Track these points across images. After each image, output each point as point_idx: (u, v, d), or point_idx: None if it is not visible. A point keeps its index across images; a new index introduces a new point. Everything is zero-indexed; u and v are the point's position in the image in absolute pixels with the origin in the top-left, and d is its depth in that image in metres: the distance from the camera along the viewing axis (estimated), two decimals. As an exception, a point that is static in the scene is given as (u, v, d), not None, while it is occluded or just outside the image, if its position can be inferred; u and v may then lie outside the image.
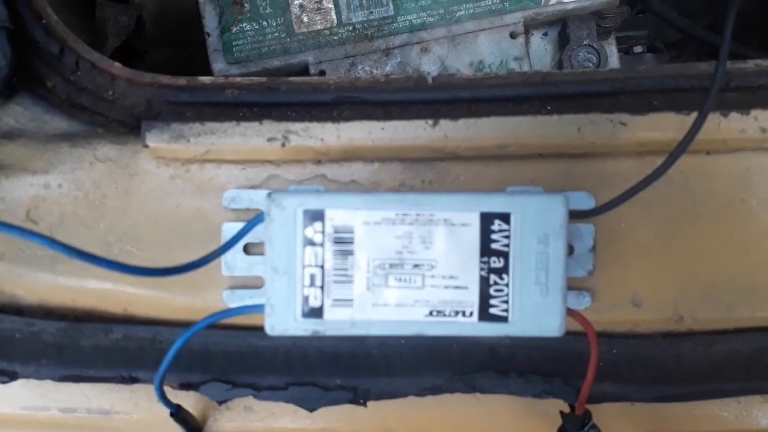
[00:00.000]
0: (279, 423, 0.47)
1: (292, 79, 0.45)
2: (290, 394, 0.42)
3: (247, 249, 0.42)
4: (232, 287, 0.43)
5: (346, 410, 0.46)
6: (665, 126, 0.40)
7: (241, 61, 0.75)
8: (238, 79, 0.45)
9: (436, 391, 0.43)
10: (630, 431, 0.45)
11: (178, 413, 0.43)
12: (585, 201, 0.42)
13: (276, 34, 0.76)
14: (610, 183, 0.41)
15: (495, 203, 0.35)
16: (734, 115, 0.41)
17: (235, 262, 0.41)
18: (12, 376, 0.42)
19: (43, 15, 0.46)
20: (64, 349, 0.43)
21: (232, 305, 0.42)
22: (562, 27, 0.77)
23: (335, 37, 0.77)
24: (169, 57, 0.93)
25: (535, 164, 0.42)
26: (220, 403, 0.43)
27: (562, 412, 0.43)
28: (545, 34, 0.80)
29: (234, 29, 0.76)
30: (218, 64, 0.72)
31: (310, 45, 0.78)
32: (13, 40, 0.43)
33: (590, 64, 0.74)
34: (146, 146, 0.41)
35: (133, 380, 0.42)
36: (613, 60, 0.74)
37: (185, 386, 0.43)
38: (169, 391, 0.43)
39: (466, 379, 0.42)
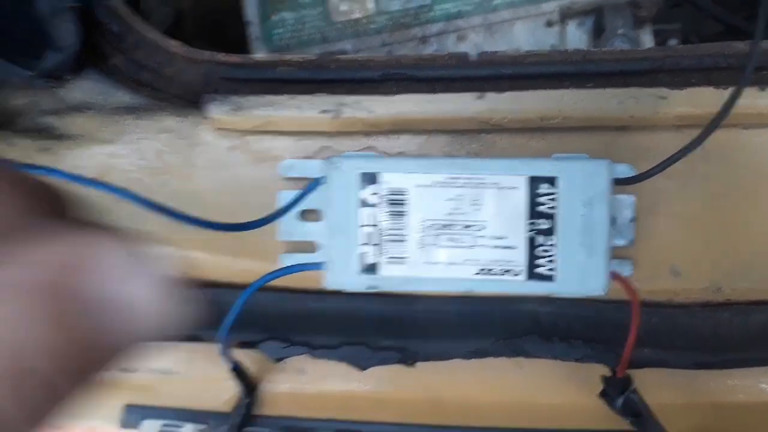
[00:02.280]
0: (329, 385, 0.49)
1: (341, 57, 0.47)
2: (343, 353, 0.44)
3: (302, 215, 0.44)
4: (288, 251, 0.45)
5: (393, 374, 0.48)
6: (703, 100, 0.42)
7: (281, 49, 0.77)
8: (289, 56, 0.47)
9: (482, 354, 0.44)
10: (668, 400, 0.47)
11: (237, 369, 0.45)
12: (626, 173, 0.43)
13: (315, 22, 0.78)
14: (650, 156, 0.42)
15: (542, 167, 0.37)
16: (772, 89, 0.42)
17: (291, 227, 0.44)
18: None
19: (107, -5, 0.48)
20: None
21: (288, 267, 0.44)
22: (597, 16, 0.78)
23: (372, 26, 0.79)
24: (208, 49, 0.95)
25: (577, 136, 0.44)
26: (277, 360, 0.45)
27: (603, 376, 0.45)
28: (581, 24, 0.81)
29: (274, 18, 0.78)
30: (259, 52, 0.74)
31: (348, 33, 0.80)
32: (81, 20, 0.46)
33: (624, 53, 0.75)
34: (206, 118, 0.44)
35: (196, 339, 0.45)
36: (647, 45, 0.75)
37: (244, 344, 0.45)
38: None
39: (511, 344, 0.44)
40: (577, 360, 0.43)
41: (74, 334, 0.16)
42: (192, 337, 0.44)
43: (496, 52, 0.47)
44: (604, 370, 0.45)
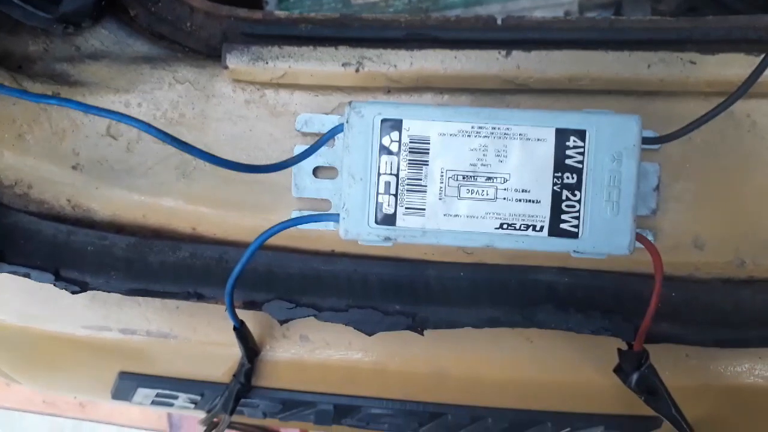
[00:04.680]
0: (332, 354, 0.48)
1: (365, 15, 0.46)
2: (350, 317, 0.43)
3: (316, 173, 0.43)
4: (300, 209, 0.44)
5: (399, 346, 0.47)
6: (734, 65, 0.41)
7: (298, 30, 0.76)
8: (312, 14, 0.47)
9: (493, 323, 0.43)
10: (682, 382, 0.45)
11: (240, 329, 0.44)
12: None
13: (333, 4, 0.78)
14: (679, 122, 0.41)
15: (571, 120, 0.36)
16: (806, 58, 0.41)
17: (304, 183, 0.43)
18: (83, 287, 0.44)
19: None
20: (133, 263, 0.45)
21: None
22: (616, 8, 0.77)
23: (390, 9, 0.78)
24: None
25: (604, 100, 0.43)
26: (282, 322, 0.43)
27: (619, 350, 0.43)
28: (599, 16, 0.81)
29: (292, -1, 0.78)
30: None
31: (366, 16, 0.79)
32: (100, -33, 0.45)
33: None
34: (226, 67, 0.43)
35: (199, 296, 0.43)
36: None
37: (249, 304, 0.44)
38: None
39: (525, 313, 0.43)
40: (592, 332, 0.42)
41: None
42: (195, 295, 0.43)
43: (523, 16, 0.46)
44: (620, 345, 0.43)
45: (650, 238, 0.43)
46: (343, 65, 0.42)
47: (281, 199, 0.44)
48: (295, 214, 0.43)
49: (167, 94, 0.44)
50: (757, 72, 0.38)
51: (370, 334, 0.43)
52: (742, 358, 0.45)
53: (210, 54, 0.46)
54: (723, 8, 0.79)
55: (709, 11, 0.83)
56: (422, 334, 0.44)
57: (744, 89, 0.38)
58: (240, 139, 0.44)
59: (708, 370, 0.45)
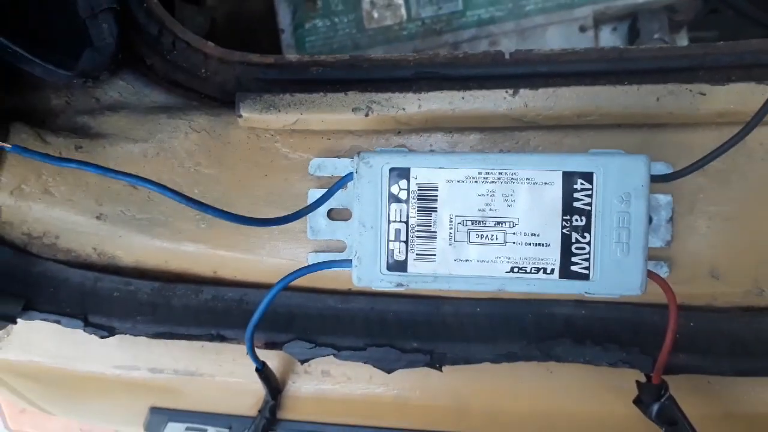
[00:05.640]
0: (354, 388, 0.48)
1: (373, 56, 0.47)
2: (369, 355, 0.43)
3: (330, 215, 0.44)
4: (316, 250, 0.44)
5: (420, 379, 0.48)
6: (745, 96, 0.41)
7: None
8: (323, 57, 0.47)
9: (511, 358, 0.43)
10: (704, 410, 0.45)
11: (262, 370, 0.45)
12: (663, 171, 0.42)
13: (347, 30, 0.79)
14: (690, 154, 0.41)
15: (578, 163, 0.36)
16: (818, 86, 0.40)
17: (319, 226, 0.43)
18: (110, 331, 0.45)
19: (144, -2, 0.49)
20: (157, 307, 0.46)
21: (317, 267, 0.43)
22: (632, 21, 0.77)
23: (404, 33, 0.79)
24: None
25: (614, 134, 0.43)
26: (302, 362, 0.44)
27: (638, 382, 0.43)
28: (615, 29, 0.80)
29: (307, 26, 0.79)
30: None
31: (379, 40, 0.80)
32: (119, 21, 0.46)
33: (660, 58, 0.74)
34: (240, 116, 0.44)
35: (221, 338, 0.45)
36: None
37: (270, 345, 0.45)
38: (256, 350, 0.45)
39: (542, 347, 0.43)
40: (610, 364, 0.42)
41: None
42: (218, 337, 0.44)
43: (531, 50, 0.46)
44: (638, 376, 0.43)
45: (665, 269, 0.42)
46: (353, 110, 0.43)
47: (298, 241, 0.45)
48: (311, 257, 0.44)
49: (184, 143, 0.46)
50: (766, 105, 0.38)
51: (389, 372, 0.44)
52: (765, 385, 0.45)
53: (225, 100, 0.47)
54: (742, 16, 0.78)
55: (727, 20, 0.82)
56: (440, 371, 0.44)
57: (756, 121, 0.38)
58: (256, 185, 0.45)
59: (731, 398, 0.45)
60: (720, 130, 0.42)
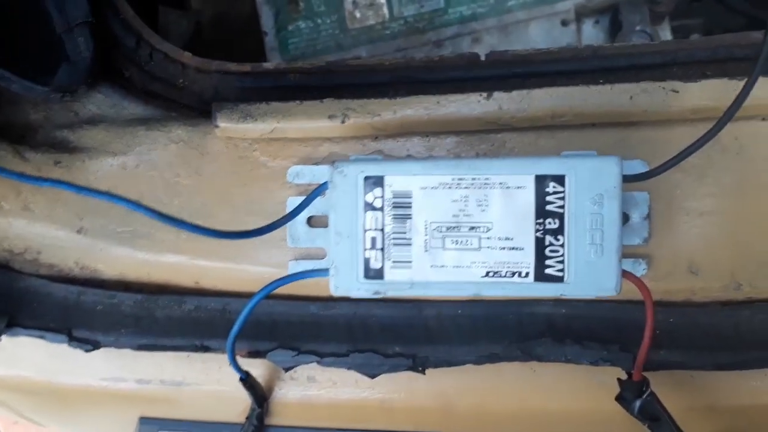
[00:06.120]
0: (340, 393, 0.49)
1: (350, 61, 0.47)
2: (352, 361, 0.44)
3: (310, 222, 0.44)
4: (297, 258, 0.45)
5: (404, 381, 0.48)
6: (718, 92, 0.41)
7: (296, 59, 0.78)
8: (300, 64, 0.48)
9: (493, 359, 0.44)
10: (687, 403, 0.45)
11: (246, 379, 0.45)
12: (639, 169, 0.42)
13: (330, 30, 0.79)
14: (664, 151, 0.41)
15: (550, 166, 0.36)
16: (789, 79, 0.40)
17: (299, 234, 0.44)
18: (95, 345, 0.46)
19: (121, 10, 0.49)
20: (141, 319, 0.46)
21: (297, 274, 0.44)
22: (614, 13, 0.77)
23: (387, 32, 0.79)
24: (229, 57, 0.96)
25: (589, 134, 0.43)
26: (286, 369, 0.45)
27: (619, 380, 0.43)
28: (597, 22, 0.80)
29: (290, 27, 0.79)
30: (275, 62, 0.75)
31: (363, 40, 0.80)
32: (95, 34, 0.46)
33: (643, 50, 0.74)
34: (217, 126, 0.44)
35: (205, 348, 0.45)
36: (667, 44, 0.73)
37: (253, 354, 0.45)
38: (239, 359, 0.45)
39: (524, 347, 0.43)
40: (591, 363, 0.42)
41: None
42: (202, 347, 0.45)
43: (506, 51, 0.46)
44: (622, 373, 0.43)
45: (643, 267, 0.43)
46: (329, 117, 0.43)
47: (279, 249, 0.45)
48: (291, 265, 0.44)
49: (163, 155, 0.46)
50: (740, 99, 0.38)
51: (372, 377, 0.44)
52: (748, 377, 0.45)
53: (203, 110, 0.47)
54: (722, 4, 0.78)
55: (707, 12, 0.82)
56: (424, 374, 0.44)
57: (728, 117, 0.38)
58: (236, 194, 0.45)
59: (713, 391, 0.45)
60: (694, 126, 0.42)
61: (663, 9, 0.77)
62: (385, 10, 0.79)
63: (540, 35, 0.76)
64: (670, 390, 0.44)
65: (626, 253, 0.43)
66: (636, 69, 0.44)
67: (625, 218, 0.42)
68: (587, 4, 0.75)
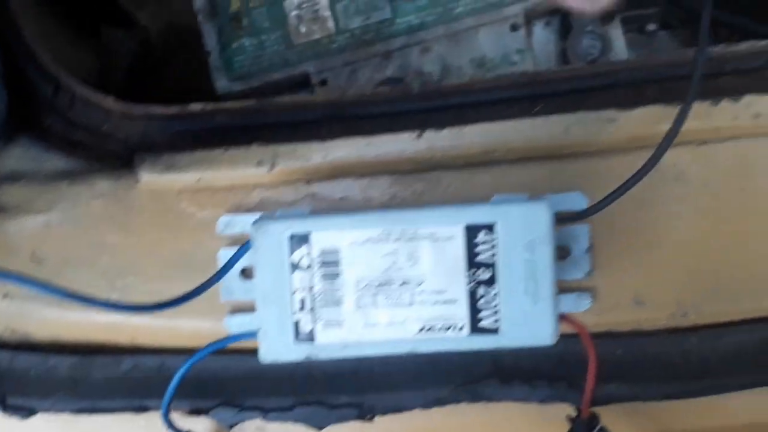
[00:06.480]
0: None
1: (279, 100, 0.46)
2: (297, 414, 0.43)
3: (244, 273, 0.42)
4: (233, 312, 0.43)
5: (354, 429, 0.47)
6: (655, 119, 0.40)
7: (243, 77, 0.75)
8: (228, 104, 0.46)
9: (441, 402, 0.43)
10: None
11: (189, 439, 0.44)
12: (578, 201, 0.41)
13: (275, 47, 0.76)
14: (604, 180, 0.40)
15: (478, 214, 0.35)
16: (725, 103, 0.40)
17: (232, 287, 0.42)
18: (30, 412, 0.44)
19: (36, 54, 0.47)
20: (77, 382, 0.45)
21: (233, 330, 0.42)
22: (563, 15, 0.75)
23: (334, 45, 0.77)
24: (179, 74, 0.94)
25: (525, 167, 0.42)
26: (230, 426, 0.43)
27: (569, 416, 0.43)
28: (547, 23, 0.79)
29: (234, 45, 0.76)
30: (221, 81, 0.73)
31: (309, 55, 0.78)
32: (7, 84, 0.44)
33: (594, 52, 0.73)
34: (139, 180, 0.42)
35: (144, 409, 0.43)
36: (619, 45, 0.72)
37: (195, 412, 0.44)
38: (181, 417, 0.44)
39: (471, 389, 0.42)
40: (540, 401, 0.42)
41: None
42: (141, 408, 0.43)
43: (440, 82, 0.45)
44: (572, 409, 0.43)
45: (588, 301, 0.42)
46: (257, 164, 0.42)
47: (215, 301, 0.44)
48: (227, 319, 0.43)
49: (87, 211, 0.44)
50: (674, 130, 0.37)
51: (320, 429, 0.43)
52: (696, 404, 0.44)
53: (129, 158, 0.45)
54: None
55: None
56: (372, 421, 0.43)
57: (666, 145, 0.38)
58: (165, 248, 0.44)
59: (666, 419, 0.45)
60: (633, 154, 0.41)
61: (613, 8, 0.76)
62: (331, 24, 0.76)
63: (490, 41, 0.74)
64: (622, 421, 0.43)
65: (569, 287, 0.42)
66: (576, 93, 0.43)
67: (566, 252, 0.41)
68: (536, 8, 0.73)
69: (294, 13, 0.76)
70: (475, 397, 0.42)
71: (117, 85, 0.81)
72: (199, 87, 0.81)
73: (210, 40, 0.79)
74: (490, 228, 0.35)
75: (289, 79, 0.72)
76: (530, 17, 0.76)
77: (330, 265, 0.35)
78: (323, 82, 0.74)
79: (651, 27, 0.87)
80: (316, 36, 0.77)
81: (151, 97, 0.87)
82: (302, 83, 0.73)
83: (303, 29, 0.77)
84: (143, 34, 0.87)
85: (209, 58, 0.80)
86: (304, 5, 0.77)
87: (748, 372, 0.42)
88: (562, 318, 0.36)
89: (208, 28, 0.78)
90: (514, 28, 0.76)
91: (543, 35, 0.78)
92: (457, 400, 0.42)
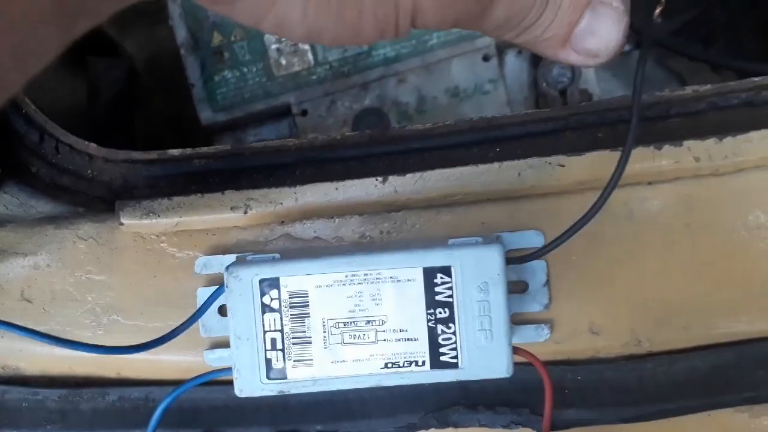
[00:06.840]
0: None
1: (254, 144, 0.48)
2: (274, 443, 0.45)
3: (221, 311, 0.45)
4: (212, 347, 0.46)
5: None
6: (601, 164, 0.42)
7: (226, 108, 0.78)
8: (204, 149, 0.48)
9: (411, 428, 0.45)
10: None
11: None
12: (534, 238, 0.44)
13: (257, 79, 0.79)
14: (558, 219, 0.43)
15: (436, 258, 0.38)
16: (667, 148, 0.42)
17: (210, 324, 0.45)
18: (21, 445, 0.46)
19: (21, 105, 0.49)
20: (66, 414, 0.47)
21: (213, 364, 0.45)
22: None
23: (313, 77, 0.80)
24: (165, 102, 0.96)
25: (484, 208, 0.44)
26: (211, 457, 0.46)
27: (531, 441, 0.45)
28: (519, 53, 0.82)
29: (216, 78, 0.79)
30: (204, 113, 0.75)
31: (290, 87, 0.81)
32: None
33: (564, 80, 0.76)
34: (122, 224, 0.45)
35: (126, 442, 0.46)
36: (589, 73, 0.75)
37: (177, 443, 0.46)
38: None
39: (439, 416, 0.45)
40: (504, 427, 0.44)
41: None
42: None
43: (405, 126, 0.48)
44: (535, 433, 0.45)
45: (546, 332, 0.44)
46: (231, 209, 0.44)
47: (195, 336, 0.46)
48: (206, 354, 0.45)
49: (73, 252, 0.46)
50: (615, 178, 0.40)
51: (295, 457, 0.46)
52: (655, 424, 0.47)
53: (112, 201, 0.48)
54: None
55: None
56: (346, 448, 0.46)
57: (611, 188, 0.40)
58: (147, 287, 0.46)
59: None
60: (584, 195, 0.44)
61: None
62: (310, 56, 0.79)
63: (463, 71, 0.77)
64: (582, 443, 0.46)
65: (528, 319, 0.44)
66: (530, 136, 0.46)
67: (525, 286, 0.44)
68: (506, 39, 0.76)
69: (274, 46, 0.79)
70: (443, 423, 0.45)
71: (103, 114, 0.83)
72: (184, 114, 0.84)
73: (193, 73, 0.82)
74: (446, 270, 0.37)
75: (271, 110, 0.74)
76: (502, 48, 0.79)
77: (298, 306, 0.38)
78: (304, 112, 0.77)
79: (626, 48, 0.90)
80: (296, 68, 0.80)
81: (136, 125, 0.89)
82: (283, 113, 0.76)
83: (283, 62, 0.79)
84: (129, 63, 0.90)
85: (193, 90, 0.83)
86: (284, 39, 0.79)
87: (700, 396, 0.45)
88: (516, 350, 0.39)
89: (191, 61, 0.81)
90: (485, 58, 0.79)
91: (515, 64, 0.81)
92: (427, 426, 0.45)
